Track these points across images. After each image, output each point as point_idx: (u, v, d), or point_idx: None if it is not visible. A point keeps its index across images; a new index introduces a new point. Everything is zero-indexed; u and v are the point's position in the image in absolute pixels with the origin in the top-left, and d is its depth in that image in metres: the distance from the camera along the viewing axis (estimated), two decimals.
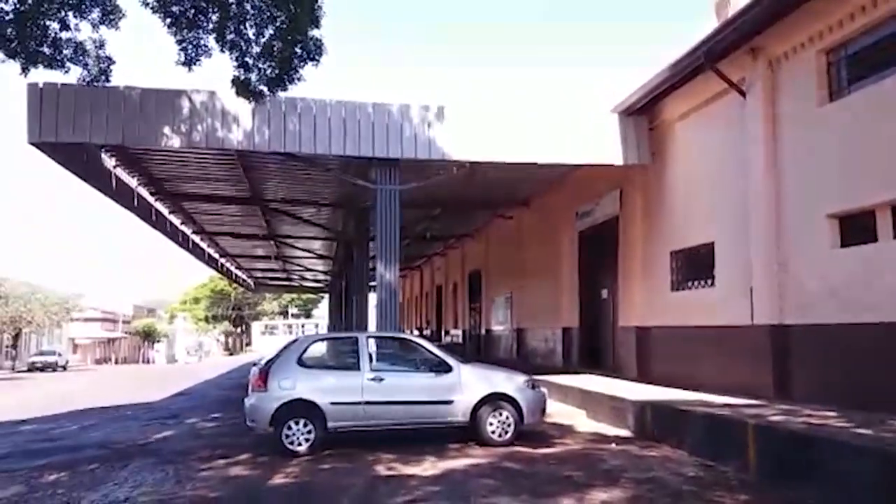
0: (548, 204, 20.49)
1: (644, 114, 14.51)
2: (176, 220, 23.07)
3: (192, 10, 9.92)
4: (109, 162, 15.46)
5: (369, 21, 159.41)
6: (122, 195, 17.36)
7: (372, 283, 20.49)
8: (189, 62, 10.19)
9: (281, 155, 14.00)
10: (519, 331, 23.76)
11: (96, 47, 10.40)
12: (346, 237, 24.22)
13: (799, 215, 10.63)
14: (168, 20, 9.89)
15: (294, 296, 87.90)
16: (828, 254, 10.05)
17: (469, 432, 9.81)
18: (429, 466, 8.32)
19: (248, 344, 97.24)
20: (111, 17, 10.02)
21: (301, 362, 9.78)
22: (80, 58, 10.28)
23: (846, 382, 9.46)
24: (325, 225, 23.63)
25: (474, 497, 6.85)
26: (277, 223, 24.11)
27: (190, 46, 10.13)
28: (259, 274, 44.75)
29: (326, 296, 52.86)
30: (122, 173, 16.36)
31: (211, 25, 10.05)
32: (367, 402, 9.51)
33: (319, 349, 10.77)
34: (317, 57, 10.39)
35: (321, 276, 42.85)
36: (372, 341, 10.34)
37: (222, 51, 10.28)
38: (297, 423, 9.27)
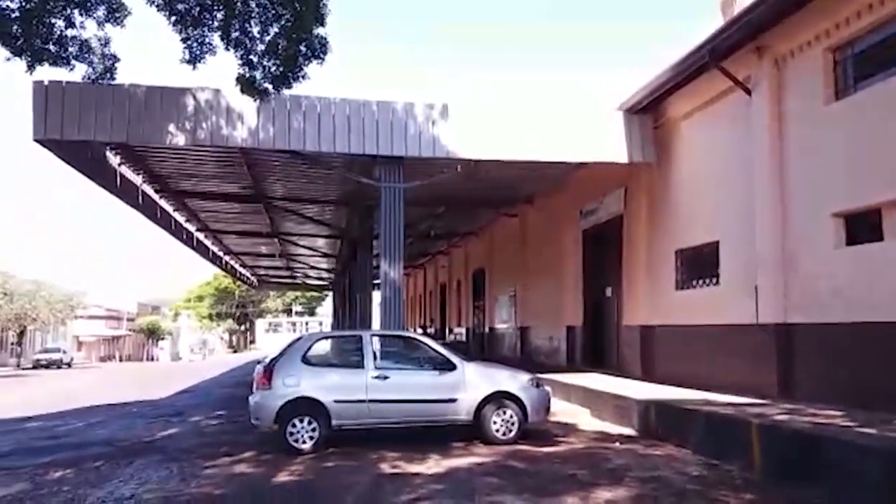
0: (552, 202, 20.47)
1: (649, 112, 14.49)
2: (180, 218, 23.12)
3: (198, 8, 9.94)
4: (114, 159, 15.50)
5: (374, 19, 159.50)
6: (127, 193, 17.40)
7: (376, 282, 20.54)
8: (194, 60, 10.21)
9: (285, 153, 14.00)
10: (522, 329, 23.75)
11: (101, 45, 10.43)
12: (350, 235, 24.24)
13: (804, 214, 10.60)
14: (173, 18, 9.91)
15: (298, 294, 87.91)
16: (833, 253, 10.02)
17: (473, 431, 9.81)
18: (433, 465, 8.32)
19: (252, 342, 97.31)
20: (117, 14, 10.05)
21: (305, 360, 9.79)
22: (86, 55, 10.30)
23: (851, 382, 9.44)
24: (329, 223, 23.65)
25: (478, 495, 6.85)
26: (281, 221, 24.13)
27: (195, 44, 10.15)
28: (263, 272, 44.81)
29: (330, 294, 52.91)
30: (126, 171, 16.40)
31: (216, 23, 10.07)
32: (372, 401, 9.51)
33: (324, 347, 10.77)
34: (322, 55, 10.40)
35: (325, 274, 42.87)
36: (376, 339, 10.35)
37: (227, 49, 10.30)
38: (301, 421, 9.27)
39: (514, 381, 10.08)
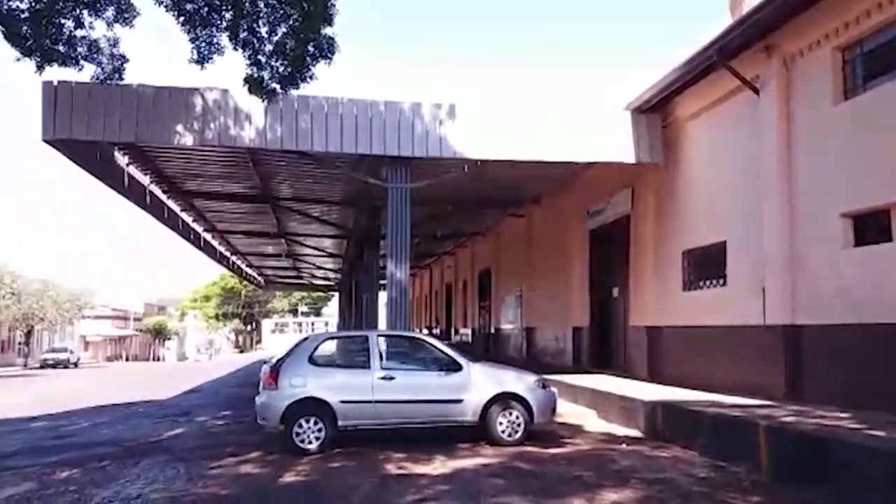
0: (559, 202, 20.44)
1: (657, 112, 14.45)
2: (188, 218, 23.20)
3: (206, 8, 9.97)
4: (122, 160, 15.56)
5: (380, 20, 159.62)
6: (135, 193, 17.46)
7: (382, 282, 20.54)
8: (202, 60, 10.24)
9: (293, 153, 14.03)
10: (529, 330, 23.72)
11: (110, 45, 10.49)
12: (356, 235, 24.26)
13: (812, 214, 10.55)
14: (182, 18, 9.95)
15: (304, 294, 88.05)
16: (841, 253, 9.97)
17: (479, 431, 9.79)
18: (439, 465, 8.31)
19: (259, 342, 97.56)
20: (126, 15, 10.09)
21: (312, 360, 9.80)
22: (95, 56, 10.36)
23: (859, 383, 9.38)
24: (336, 223, 23.67)
25: (484, 497, 6.84)
26: (288, 221, 24.17)
27: (203, 44, 10.19)
28: (269, 272, 44.91)
29: (336, 294, 52.96)
30: (134, 171, 16.46)
31: (224, 23, 10.10)
32: (378, 401, 9.51)
33: (330, 347, 10.78)
34: (329, 55, 10.41)
35: (331, 275, 42.91)
36: (382, 340, 10.34)
37: (235, 49, 10.33)
38: (307, 422, 9.27)
39: (521, 382, 10.06)
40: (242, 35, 10.20)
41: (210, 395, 19.77)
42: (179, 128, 12.74)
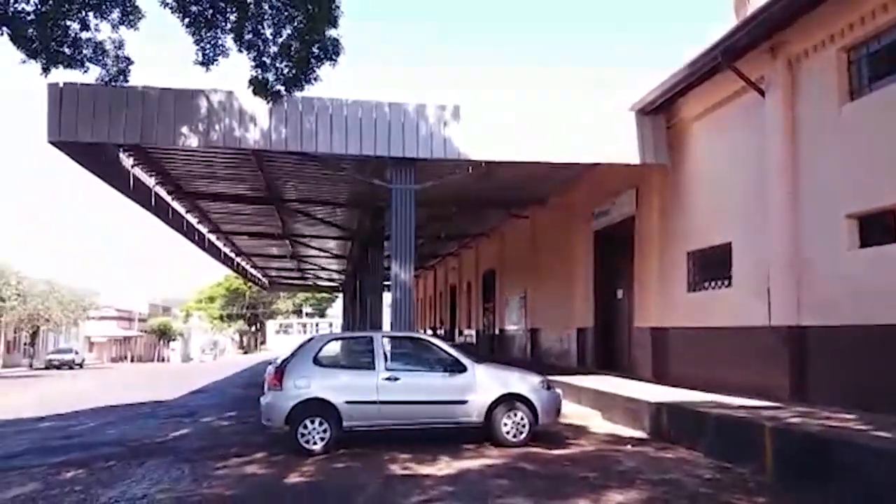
0: (563, 203, 20.43)
1: (661, 113, 14.43)
2: (192, 219, 23.25)
3: (211, 10, 10.00)
4: (127, 161, 15.60)
5: (383, 20, 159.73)
6: (140, 194, 17.51)
7: (386, 283, 20.55)
8: (207, 62, 10.27)
9: (297, 154, 14.06)
10: (533, 331, 23.71)
11: (115, 47, 10.51)
12: (360, 236, 24.29)
13: (817, 215, 10.53)
14: (187, 20, 9.97)
15: (308, 295, 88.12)
16: (847, 254, 9.95)
17: (484, 432, 9.79)
18: (444, 466, 8.31)
19: (263, 342, 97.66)
20: (131, 17, 10.12)
21: (316, 361, 9.81)
22: (100, 58, 10.38)
23: (864, 384, 9.36)
24: (340, 224, 23.70)
25: (489, 497, 6.84)
26: (293, 222, 24.20)
27: (208, 46, 10.21)
28: (274, 273, 44.97)
29: (341, 295, 53.02)
30: (140, 172, 16.50)
31: (229, 25, 10.13)
32: (383, 402, 9.51)
33: (335, 348, 10.79)
34: (334, 57, 10.44)
35: (335, 276, 42.98)
36: (387, 341, 10.35)
37: (240, 50, 10.36)
38: (312, 422, 9.28)
39: (525, 383, 10.06)
40: (247, 37, 10.23)
41: (215, 396, 19.79)
42: (184, 129, 12.77)
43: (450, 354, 10.16)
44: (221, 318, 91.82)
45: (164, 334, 78.47)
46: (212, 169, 17.15)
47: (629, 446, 9.63)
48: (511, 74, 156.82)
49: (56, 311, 50.76)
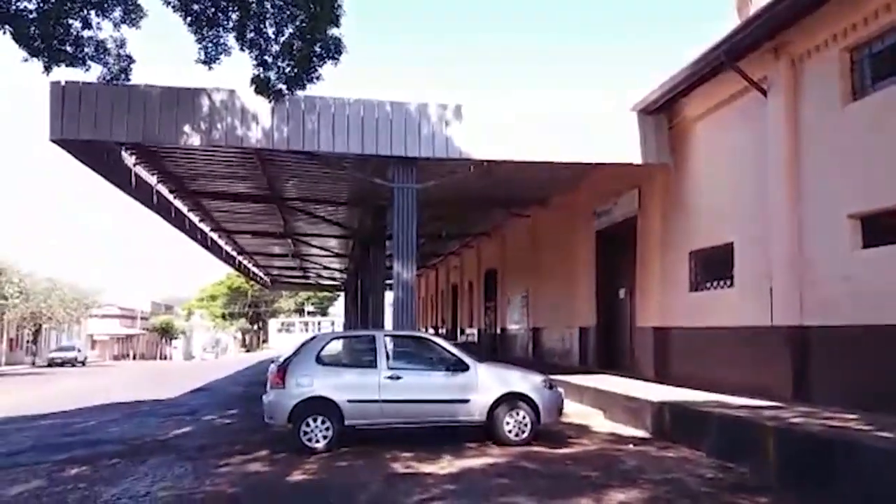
0: (565, 203, 20.43)
1: (664, 112, 14.44)
2: (194, 218, 23.26)
3: (213, 9, 10.01)
4: (129, 159, 15.61)
5: (384, 20, 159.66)
6: (142, 192, 17.54)
7: (388, 282, 20.55)
8: (209, 60, 10.28)
9: (299, 153, 14.07)
10: (535, 330, 23.72)
11: (117, 46, 10.53)
12: (362, 235, 24.30)
13: (820, 215, 10.53)
14: (189, 19, 9.98)
15: (310, 294, 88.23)
16: (849, 255, 9.94)
17: (486, 431, 9.81)
18: (446, 465, 8.33)
19: (265, 341, 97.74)
20: (132, 16, 10.14)
21: (319, 360, 9.83)
22: (102, 56, 10.41)
23: (866, 384, 9.36)
24: (342, 223, 23.72)
25: (491, 496, 6.85)
26: (295, 221, 24.22)
27: (210, 45, 10.22)
28: (276, 271, 45.02)
29: (342, 294, 53.06)
30: (141, 171, 16.52)
31: (231, 24, 10.14)
32: (385, 401, 9.53)
33: (337, 347, 10.81)
34: (336, 56, 10.44)
35: (337, 275, 43.01)
36: (389, 340, 10.35)
37: (242, 49, 10.36)
38: (314, 421, 9.30)
39: (527, 382, 10.07)
40: (249, 35, 10.24)
41: (217, 394, 19.81)
42: (186, 128, 12.80)
43: (452, 353, 10.16)
44: (223, 316, 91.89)
45: (167, 332, 78.55)
46: (214, 167, 17.17)
47: (631, 445, 9.64)
48: (513, 74, 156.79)
49: (58, 309, 50.81)
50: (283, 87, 10.83)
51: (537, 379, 10.18)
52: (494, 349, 27.65)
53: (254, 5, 9.98)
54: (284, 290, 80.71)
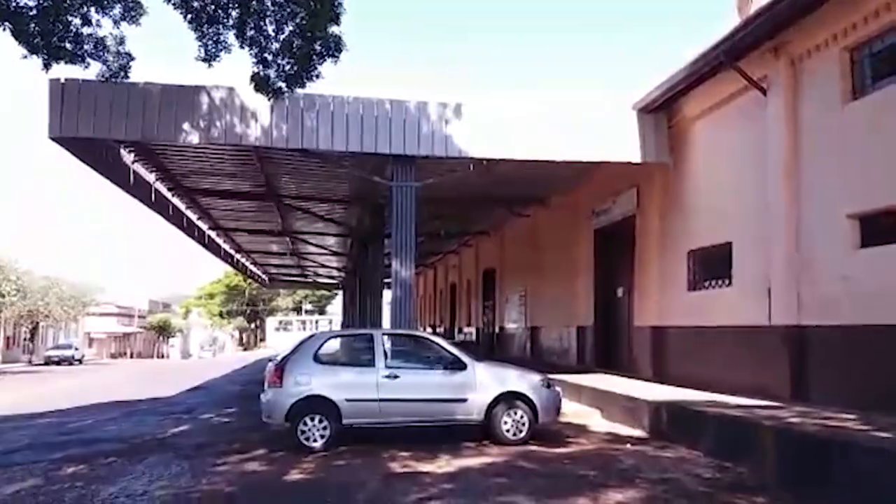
0: (564, 201, 20.41)
1: (663, 111, 14.43)
2: (192, 216, 23.24)
3: (213, 6, 9.98)
4: (128, 157, 15.59)
5: (386, 18, 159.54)
6: (141, 190, 17.51)
7: (386, 280, 20.56)
8: (209, 58, 10.25)
9: (298, 151, 14.04)
10: (533, 329, 23.71)
11: (117, 43, 10.49)
12: (361, 233, 24.28)
13: (819, 215, 10.53)
14: (189, 16, 9.95)
15: (308, 292, 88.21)
16: (848, 254, 9.95)
17: (484, 431, 9.80)
18: (443, 464, 8.32)
19: (263, 339, 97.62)
20: (132, 13, 10.11)
21: (317, 359, 9.82)
22: (101, 53, 10.37)
23: (864, 384, 9.37)
24: (341, 221, 23.71)
25: (489, 495, 6.84)
26: (293, 219, 24.19)
27: (210, 42, 10.19)
28: (273, 270, 44.97)
29: (340, 292, 53.04)
30: (140, 168, 16.50)
31: (231, 21, 10.11)
32: (383, 399, 9.52)
33: (335, 346, 10.80)
34: (336, 54, 10.42)
35: (335, 273, 42.98)
36: (387, 338, 10.35)
37: (242, 47, 10.33)
38: (312, 419, 9.29)
39: (525, 382, 10.06)
40: (249, 33, 10.21)
41: (214, 393, 19.80)
42: (185, 126, 12.78)
43: (450, 352, 10.16)
44: (221, 314, 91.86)
45: (164, 331, 78.52)
46: (212, 165, 17.14)
47: (629, 445, 9.64)
48: (513, 73, 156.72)
49: (56, 307, 50.74)
50: (283, 84, 10.81)
51: (535, 378, 10.18)
52: (492, 348, 27.65)
53: (254, 3, 9.96)
54: (282, 289, 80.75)
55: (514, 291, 26.26)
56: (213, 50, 10.24)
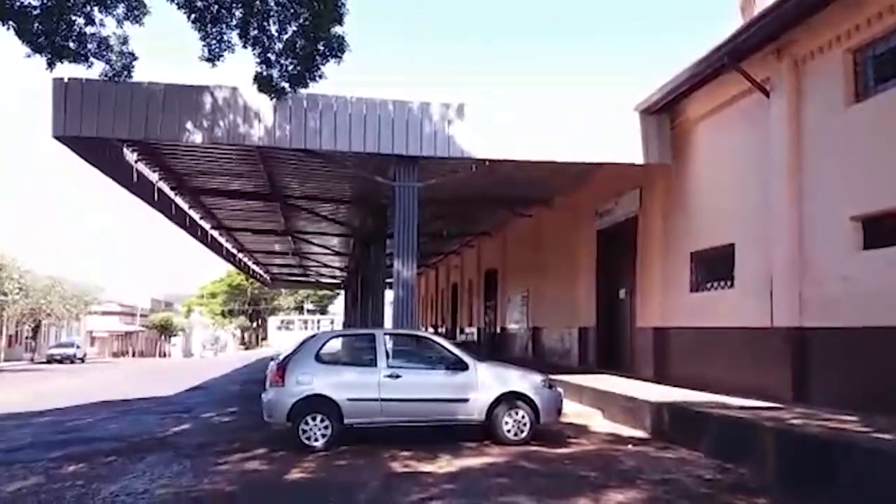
0: (567, 202, 20.41)
1: (666, 113, 14.43)
2: (195, 215, 23.27)
3: (216, 6, 10.00)
4: (131, 156, 15.60)
5: (390, 18, 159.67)
6: (143, 190, 17.53)
7: (388, 280, 20.55)
8: (213, 58, 10.27)
9: (301, 151, 14.05)
10: (535, 330, 23.71)
11: (120, 43, 10.52)
12: (363, 233, 24.29)
13: (821, 217, 10.52)
14: (192, 16, 9.97)
15: (310, 292, 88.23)
16: (850, 256, 9.94)
17: (485, 431, 9.81)
18: (444, 464, 8.32)
19: (264, 339, 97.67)
20: (135, 12, 10.14)
21: (319, 358, 9.82)
22: (104, 53, 10.40)
23: (866, 386, 9.36)
24: (343, 221, 23.72)
25: (490, 496, 6.84)
26: (295, 219, 24.22)
27: (213, 42, 10.21)
28: (276, 269, 45.01)
29: (342, 292, 53.06)
30: (143, 168, 16.51)
31: (234, 21, 10.14)
32: (384, 399, 9.53)
33: (337, 345, 10.80)
34: (339, 54, 10.44)
35: (337, 273, 43.00)
36: (389, 338, 10.35)
37: (245, 47, 10.35)
38: (314, 419, 9.30)
39: (527, 382, 10.06)
40: (253, 33, 10.23)
41: (216, 392, 19.81)
42: (188, 125, 12.79)
43: (451, 352, 10.16)
44: (223, 313, 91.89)
45: (166, 330, 78.58)
46: (215, 165, 17.16)
47: (630, 446, 9.64)
48: (516, 74, 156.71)
49: (58, 306, 50.82)
50: (286, 85, 10.83)
51: (537, 378, 10.18)
52: (494, 348, 27.64)
53: (257, 3, 9.98)
54: (284, 288, 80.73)
55: (516, 292, 26.26)
56: (217, 50, 10.26)
